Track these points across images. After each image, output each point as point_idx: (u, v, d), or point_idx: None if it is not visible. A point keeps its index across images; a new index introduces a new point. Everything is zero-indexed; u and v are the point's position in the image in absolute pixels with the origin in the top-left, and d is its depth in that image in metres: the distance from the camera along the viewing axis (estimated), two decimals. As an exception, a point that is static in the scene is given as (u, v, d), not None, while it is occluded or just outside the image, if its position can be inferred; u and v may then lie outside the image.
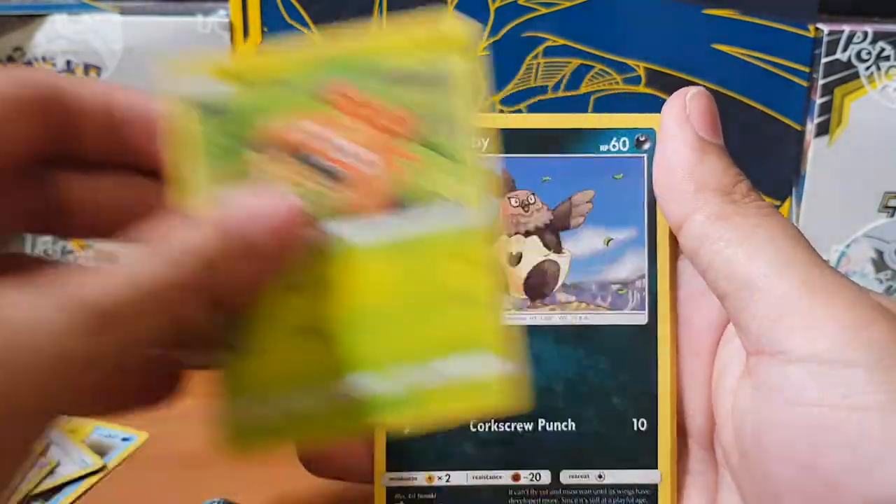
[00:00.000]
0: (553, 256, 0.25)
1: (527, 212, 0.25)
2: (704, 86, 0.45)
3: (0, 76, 0.22)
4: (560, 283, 0.25)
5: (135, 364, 0.21)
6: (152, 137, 0.24)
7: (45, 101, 0.22)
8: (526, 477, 0.25)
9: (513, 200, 0.25)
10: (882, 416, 0.19)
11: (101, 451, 0.44)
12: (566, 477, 0.25)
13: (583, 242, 0.25)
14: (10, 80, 0.22)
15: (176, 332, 0.20)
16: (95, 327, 0.18)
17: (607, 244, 0.26)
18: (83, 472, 0.42)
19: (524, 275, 0.25)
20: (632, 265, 0.25)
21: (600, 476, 0.25)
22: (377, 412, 0.20)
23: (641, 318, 0.25)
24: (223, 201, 0.22)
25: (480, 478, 0.25)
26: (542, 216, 0.25)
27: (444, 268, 0.20)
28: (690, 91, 0.25)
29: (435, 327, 0.20)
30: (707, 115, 0.24)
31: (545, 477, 0.25)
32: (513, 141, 0.25)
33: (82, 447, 0.44)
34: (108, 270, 0.19)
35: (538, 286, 0.25)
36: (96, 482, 0.42)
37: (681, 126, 0.24)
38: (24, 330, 0.17)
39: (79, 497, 0.41)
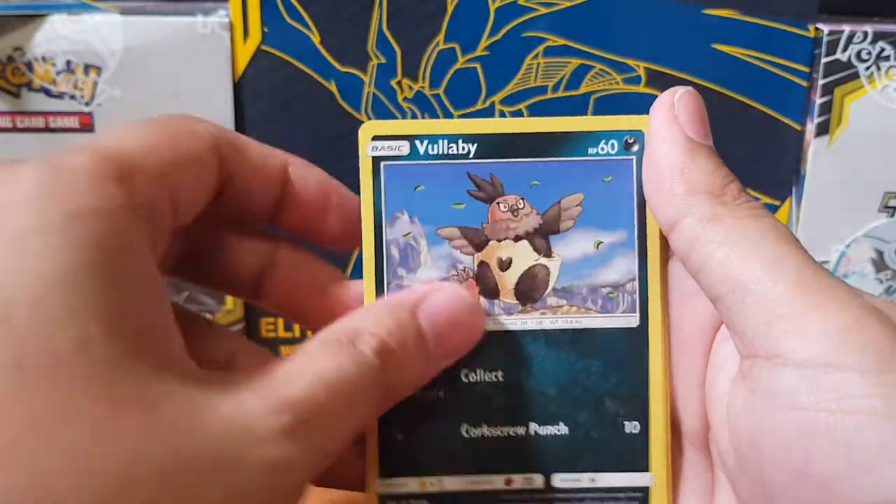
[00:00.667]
0: (543, 261, 0.25)
1: (516, 216, 0.25)
2: (704, 86, 0.45)
3: (179, 127, 0.22)
4: (550, 287, 0.25)
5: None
6: (320, 212, 0.25)
7: (220, 157, 0.23)
8: (518, 481, 0.25)
9: (502, 206, 0.25)
10: (876, 420, 0.19)
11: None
12: (558, 481, 0.25)
13: (572, 246, 0.25)
14: (187, 132, 0.22)
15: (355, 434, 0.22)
16: (301, 433, 0.19)
17: (597, 248, 0.25)
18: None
19: (514, 279, 0.25)
20: (622, 268, 0.25)
21: (592, 479, 0.25)
22: None
23: (633, 321, 0.25)
24: (408, 288, 0.24)
25: (473, 483, 0.25)
26: (531, 221, 0.25)
27: None
28: (678, 91, 0.24)
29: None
30: (695, 116, 0.24)
31: (538, 481, 0.25)
32: (501, 145, 0.25)
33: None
34: (298, 370, 0.20)
35: (529, 291, 0.25)
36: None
37: (669, 127, 0.24)
38: (239, 439, 0.18)
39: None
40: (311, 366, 0.20)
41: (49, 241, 0.17)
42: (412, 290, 0.24)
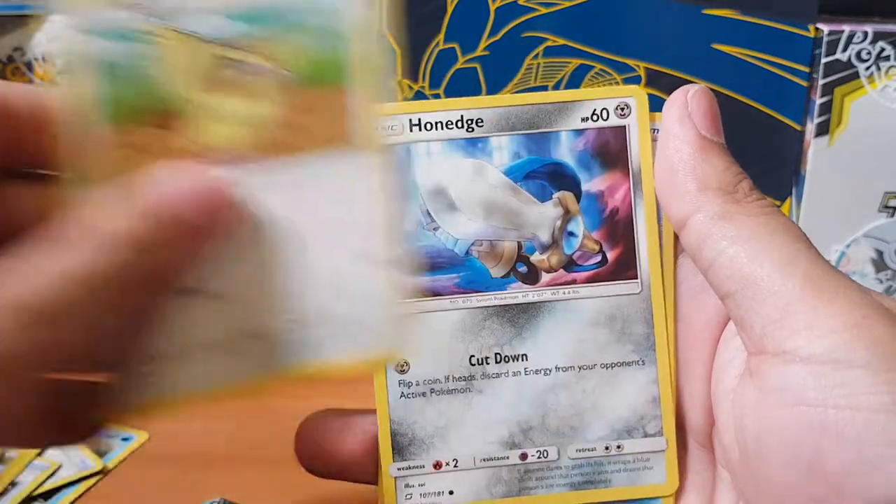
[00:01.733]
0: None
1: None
2: (704, 86, 0.45)
3: None
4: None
5: (76, 366, 0.20)
6: (41, 133, 0.22)
7: None
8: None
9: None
10: (885, 417, 0.19)
11: (100, 452, 0.44)
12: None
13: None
14: None
15: (117, 327, 0.20)
16: (28, 324, 0.17)
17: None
18: (83, 474, 0.42)
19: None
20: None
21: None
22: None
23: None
24: (143, 182, 0.20)
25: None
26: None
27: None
28: (692, 89, 0.24)
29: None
30: (709, 114, 0.24)
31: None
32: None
33: (83, 448, 0.44)
34: (33, 267, 0.18)
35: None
36: (96, 482, 0.42)
37: (682, 124, 0.24)
38: None
39: (79, 497, 0.41)
40: (46, 263, 0.18)
41: None
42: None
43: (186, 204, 0.20)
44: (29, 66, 0.43)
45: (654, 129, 0.25)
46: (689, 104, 0.24)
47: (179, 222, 0.20)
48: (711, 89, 0.25)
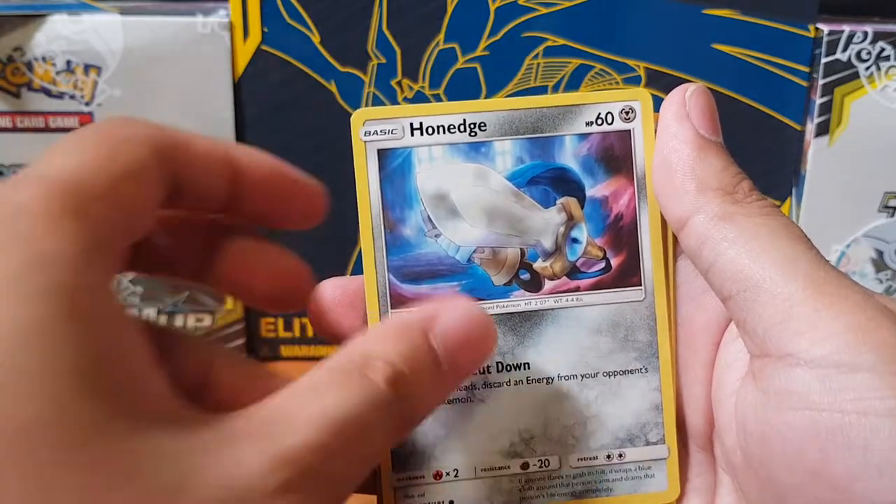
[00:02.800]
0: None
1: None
2: (704, 85, 0.45)
3: (116, 136, 0.20)
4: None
5: None
6: (275, 196, 0.24)
7: (164, 160, 0.21)
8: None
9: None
10: (892, 421, 0.19)
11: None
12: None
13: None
14: (127, 140, 0.20)
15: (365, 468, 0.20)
16: (306, 485, 0.18)
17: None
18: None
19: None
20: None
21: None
22: None
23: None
24: (418, 307, 0.22)
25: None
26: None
27: None
28: (690, 88, 0.24)
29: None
30: (707, 113, 0.24)
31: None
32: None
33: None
34: (301, 413, 0.18)
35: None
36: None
37: (680, 124, 0.24)
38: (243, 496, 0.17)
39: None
40: (316, 404, 0.19)
41: (8, 295, 0.16)
42: (423, 308, 0.23)
43: (463, 346, 0.22)
44: (29, 66, 0.43)
45: None
46: (687, 103, 0.24)
47: (454, 363, 0.22)
48: (711, 89, 0.25)
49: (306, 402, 0.19)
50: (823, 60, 0.44)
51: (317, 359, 0.24)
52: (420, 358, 0.21)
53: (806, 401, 0.20)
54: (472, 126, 0.25)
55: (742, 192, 0.23)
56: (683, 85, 0.24)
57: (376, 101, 0.46)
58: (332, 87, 0.46)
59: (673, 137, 0.24)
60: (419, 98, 0.46)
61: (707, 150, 0.23)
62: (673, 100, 0.24)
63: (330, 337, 0.25)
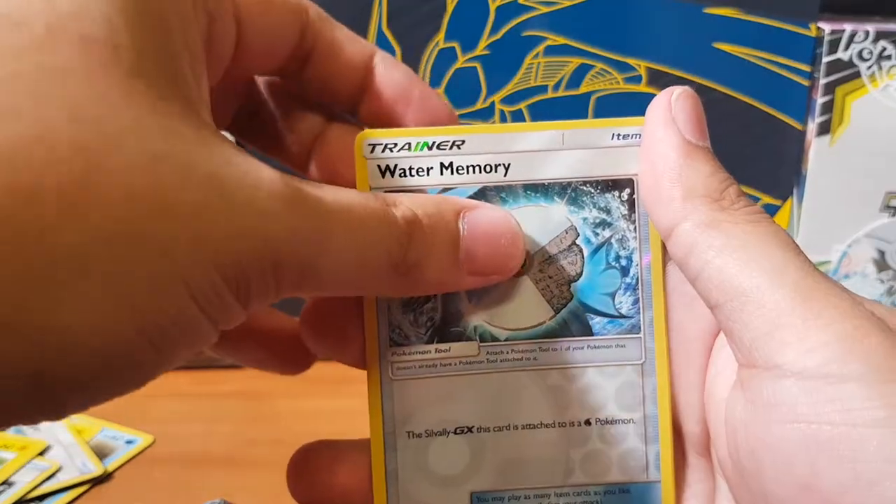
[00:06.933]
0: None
1: None
2: (705, 85, 0.45)
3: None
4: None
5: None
6: (400, 107, 0.25)
7: (304, 19, 0.24)
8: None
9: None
10: (881, 433, 0.19)
11: (103, 453, 0.44)
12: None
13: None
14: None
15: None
16: (303, 214, 0.19)
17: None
18: (84, 479, 0.42)
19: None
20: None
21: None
22: None
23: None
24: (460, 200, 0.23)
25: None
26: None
27: None
28: (675, 91, 0.24)
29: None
30: (693, 117, 0.23)
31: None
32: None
33: (86, 449, 0.44)
34: (333, 194, 0.20)
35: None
36: (97, 482, 0.42)
37: (666, 129, 0.23)
38: (248, 182, 0.18)
39: (78, 497, 0.41)
40: (343, 192, 0.20)
41: None
42: (467, 199, 0.24)
43: (486, 242, 0.23)
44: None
45: None
46: (673, 107, 0.23)
47: (471, 255, 0.22)
48: (712, 88, 0.24)
49: (336, 189, 0.20)
50: (825, 60, 0.44)
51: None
52: (442, 228, 0.22)
53: (794, 413, 0.20)
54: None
55: (729, 199, 0.23)
56: (669, 88, 0.24)
57: (376, 101, 0.46)
58: (332, 87, 0.45)
59: (659, 143, 0.23)
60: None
61: (693, 155, 0.23)
62: (658, 104, 0.24)
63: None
